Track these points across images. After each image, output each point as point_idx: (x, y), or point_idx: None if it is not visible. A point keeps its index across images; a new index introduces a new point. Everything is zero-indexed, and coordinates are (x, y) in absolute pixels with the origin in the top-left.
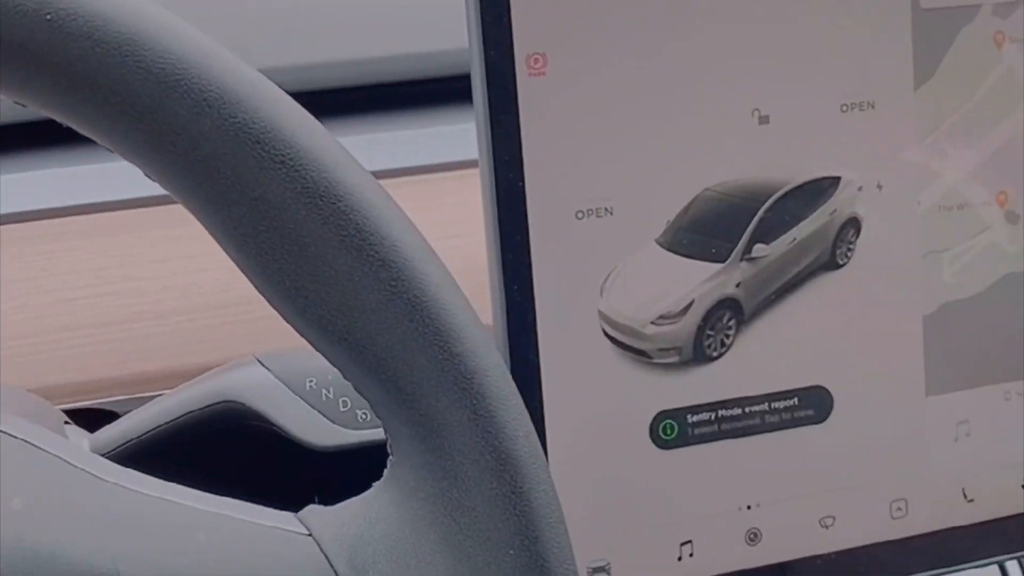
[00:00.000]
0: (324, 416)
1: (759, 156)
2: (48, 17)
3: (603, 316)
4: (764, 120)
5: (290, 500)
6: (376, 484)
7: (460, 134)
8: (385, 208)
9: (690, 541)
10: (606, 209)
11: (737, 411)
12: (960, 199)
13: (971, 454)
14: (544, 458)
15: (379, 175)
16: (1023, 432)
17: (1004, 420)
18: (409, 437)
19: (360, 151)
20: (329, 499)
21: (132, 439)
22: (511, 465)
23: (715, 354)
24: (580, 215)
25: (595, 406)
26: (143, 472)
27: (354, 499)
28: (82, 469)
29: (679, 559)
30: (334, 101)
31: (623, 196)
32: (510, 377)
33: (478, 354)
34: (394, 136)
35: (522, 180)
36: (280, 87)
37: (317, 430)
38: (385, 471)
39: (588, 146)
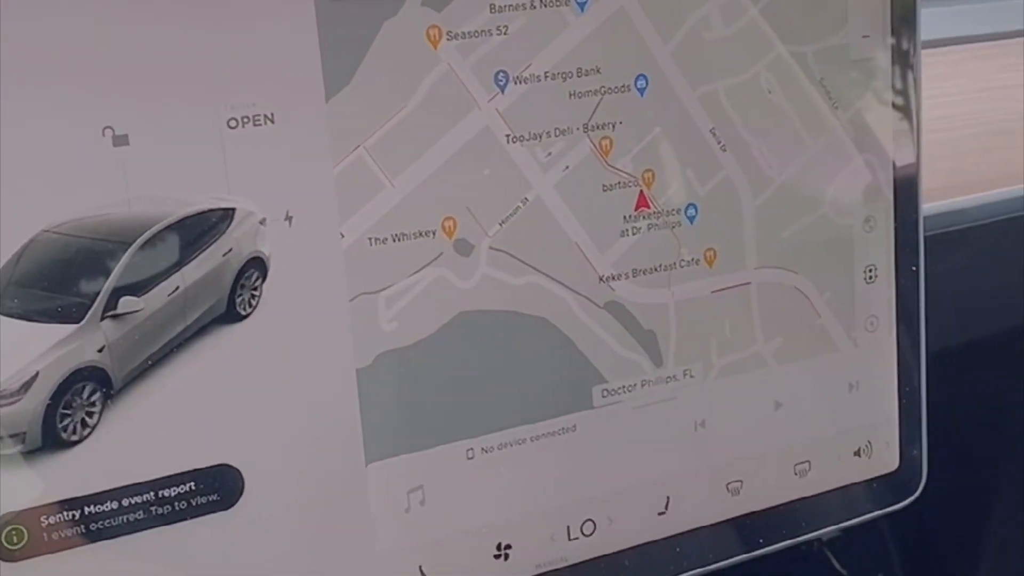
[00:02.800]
0: None
1: (118, 186)
2: None
3: None
4: (121, 140)
5: None
6: None
7: None
8: None
9: None
10: None
11: (111, 506)
12: (396, 229)
13: (428, 524)
14: None
15: None
16: (493, 492)
17: (468, 481)
18: None
19: None
20: None
21: None
22: None
23: (75, 438)
24: None
25: None
26: None
27: None
28: None
29: None
30: None
31: None
32: None
33: None
34: None
35: None
36: None
37: None
38: None
39: None
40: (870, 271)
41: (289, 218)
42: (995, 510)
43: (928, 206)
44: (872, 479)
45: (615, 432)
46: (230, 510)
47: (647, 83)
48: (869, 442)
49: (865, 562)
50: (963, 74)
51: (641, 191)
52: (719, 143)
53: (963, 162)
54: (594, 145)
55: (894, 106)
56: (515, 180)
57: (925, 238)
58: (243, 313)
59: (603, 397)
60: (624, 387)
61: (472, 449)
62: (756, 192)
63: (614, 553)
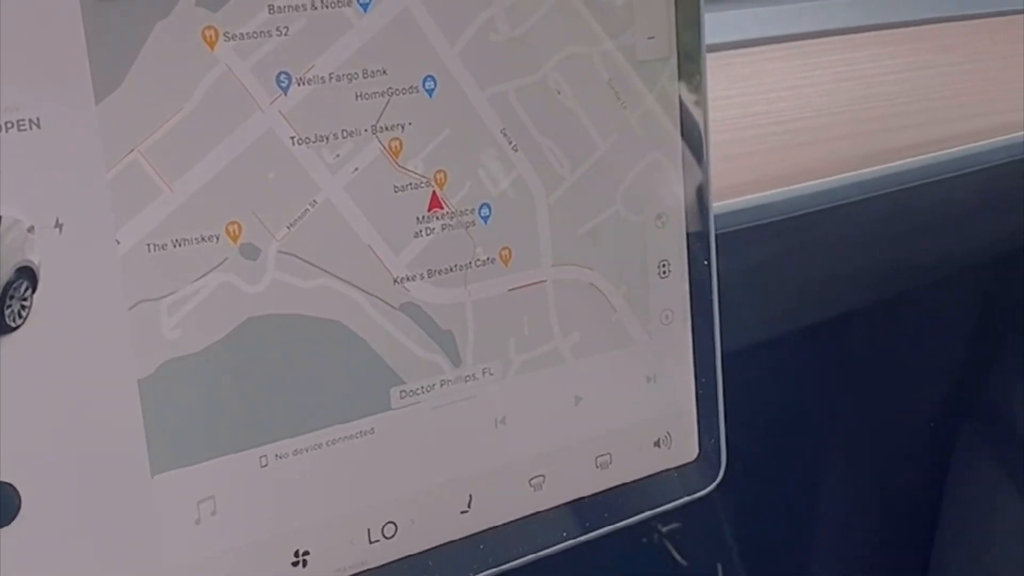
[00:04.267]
0: None
1: None
2: None
3: None
4: None
5: None
6: None
7: None
8: None
9: None
10: None
11: None
12: (176, 234)
13: (221, 535)
14: None
15: None
16: (289, 499)
17: (262, 489)
18: None
19: None
20: None
21: None
22: None
23: None
24: None
25: None
26: None
27: None
28: None
29: None
30: None
31: None
32: None
33: None
34: None
35: None
36: None
37: None
38: None
39: None
40: (663, 266)
41: (60, 225)
42: (822, 496)
43: (729, 202)
44: (672, 468)
45: (415, 433)
46: (5, 528)
47: (435, 84)
48: (668, 433)
49: (705, 553)
50: (767, 72)
51: (434, 192)
52: (510, 143)
53: (766, 158)
54: (383, 146)
55: (682, 105)
56: (302, 183)
57: (727, 233)
58: (12, 325)
59: (401, 398)
60: (422, 388)
61: (265, 456)
62: (549, 191)
63: (417, 554)
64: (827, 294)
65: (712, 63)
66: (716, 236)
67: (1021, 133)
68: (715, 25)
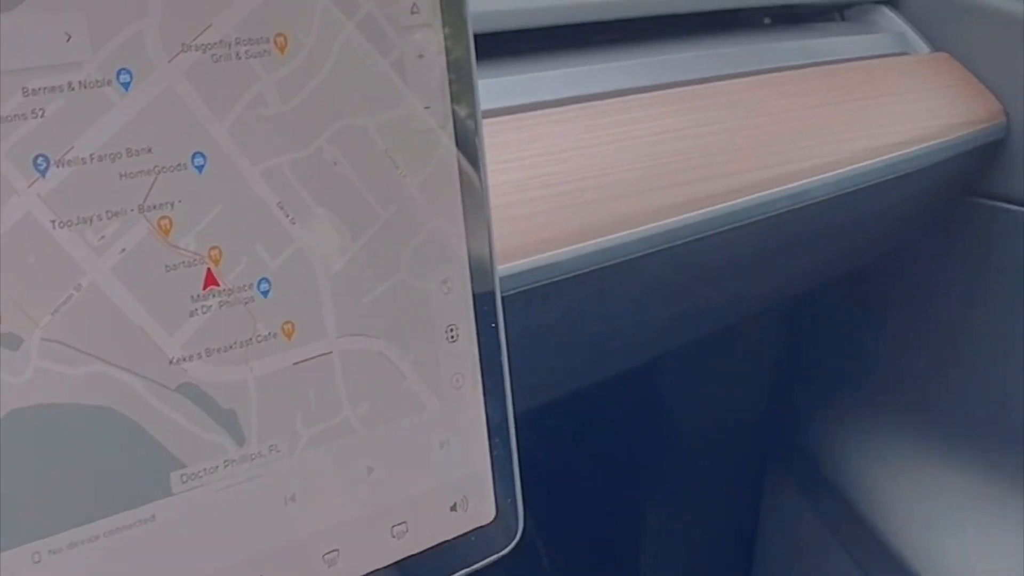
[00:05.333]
0: None
1: None
2: None
3: None
4: None
5: None
6: None
7: None
8: None
9: None
10: None
11: None
12: None
13: None
14: None
15: None
16: None
17: None
18: None
19: None
20: None
21: None
22: None
23: None
24: None
25: None
26: None
27: None
28: None
29: None
30: None
31: None
32: None
33: None
34: None
35: None
36: None
37: None
38: None
39: None
40: (451, 331)
41: None
42: (641, 540)
43: (518, 263)
44: (471, 531)
45: (199, 517)
46: None
47: (205, 161)
48: (464, 496)
49: None
50: (553, 135)
51: (208, 269)
52: (288, 216)
53: (554, 217)
54: (152, 225)
55: (461, 171)
56: (65, 267)
57: (516, 294)
58: None
59: (183, 483)
60: (205, 470)
61: (39, 552)
62: (330, 262)
63: None
64: (624, 347)
65: (496, 127)
66: (504, 298)
67: (798, 184)
68: (497, 90)
